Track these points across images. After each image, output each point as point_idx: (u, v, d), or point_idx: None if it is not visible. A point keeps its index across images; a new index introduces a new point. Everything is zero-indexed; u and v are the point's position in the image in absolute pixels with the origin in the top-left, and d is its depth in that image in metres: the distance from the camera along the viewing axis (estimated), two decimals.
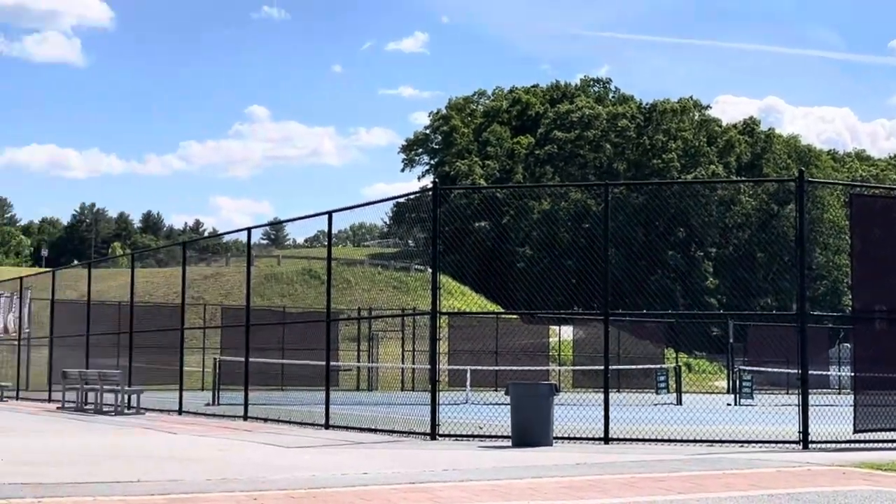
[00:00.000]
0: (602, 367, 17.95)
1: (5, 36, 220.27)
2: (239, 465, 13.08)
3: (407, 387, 43.88)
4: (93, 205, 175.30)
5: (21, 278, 36.17)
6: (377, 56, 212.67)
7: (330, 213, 20.70)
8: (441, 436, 17.59)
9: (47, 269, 45.78)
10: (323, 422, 19.93)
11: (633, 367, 43.62)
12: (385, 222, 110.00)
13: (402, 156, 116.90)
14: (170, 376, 34.73)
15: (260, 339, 32.77)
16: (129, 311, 29.09)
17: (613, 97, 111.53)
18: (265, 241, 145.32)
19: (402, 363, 45.02)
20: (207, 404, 27.62)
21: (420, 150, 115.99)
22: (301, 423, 20.65)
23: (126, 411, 25.39)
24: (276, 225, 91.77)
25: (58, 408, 27.95)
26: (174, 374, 35.45)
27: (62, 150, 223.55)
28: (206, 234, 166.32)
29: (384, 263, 78.43)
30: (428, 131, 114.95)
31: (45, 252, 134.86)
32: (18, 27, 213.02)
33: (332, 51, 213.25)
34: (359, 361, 45.48)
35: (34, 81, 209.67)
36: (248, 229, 24.40)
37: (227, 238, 62.97)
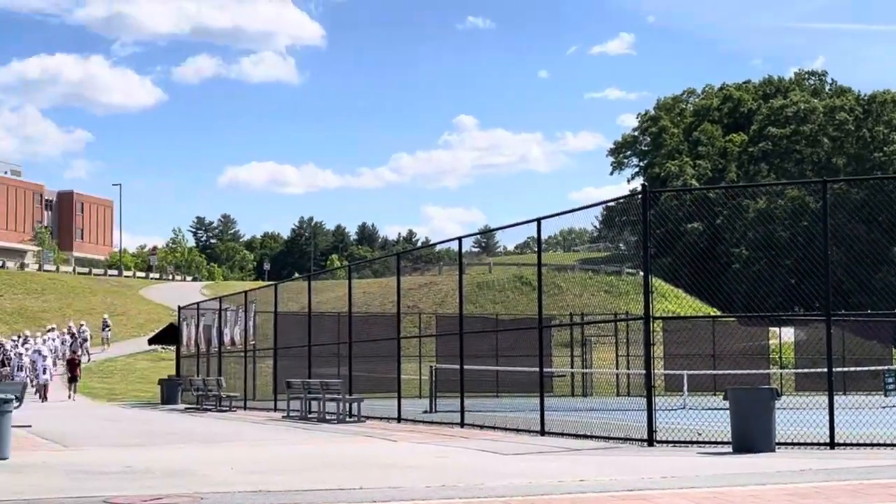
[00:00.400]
0: (825, 370, 17.32)
1: (224, 59, 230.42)
2: (457, 473, 13.23)
3: (622, 392, 43.46)
4: (311, 219, 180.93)
5: (245, 292, 37.61)
6: (582, 59, 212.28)
7: (539, 220, 20.74)
8: (658, 442, 17.34)
9: (270, 283, 47.50)
10: (538, 428, 19.94)
11: (859, 368, 41.92)
12: (595, 226, 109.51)
13: (611, 159, 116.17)
14: (388, 384, 35.48)
15: (474, 347, 33.09)
16: (348, 321, 29.81)
17: (830, 90, 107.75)
18: (476, 249, 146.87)
19: (616, 368, 44.61)
20: (425, 412, 28.06)
21: (629, 152, 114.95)
22: (516, 430, 20.73)
23: (347, 419, 26.06)
24: (486, 233, 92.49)
25: (283, 417, 28.93)
26: (392, 382, 36.23)
27: (280, 166, 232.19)
28: (418, 243, 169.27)
29: (595, 268, 77.99)
30: (636, 133, 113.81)
31: (267, 266, 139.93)
32: (236, 49, 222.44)
33: (538, 57, 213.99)
34: (572, 367, 45.34)
35: (252, 101, 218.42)
36: (459, 238, 24.68)
37: (439, 247, 63.99)
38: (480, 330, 36.94)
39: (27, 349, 42.45)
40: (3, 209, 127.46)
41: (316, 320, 33.10)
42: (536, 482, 11.95)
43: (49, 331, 49.65)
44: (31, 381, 40.77)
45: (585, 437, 19.05)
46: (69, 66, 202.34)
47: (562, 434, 19.53)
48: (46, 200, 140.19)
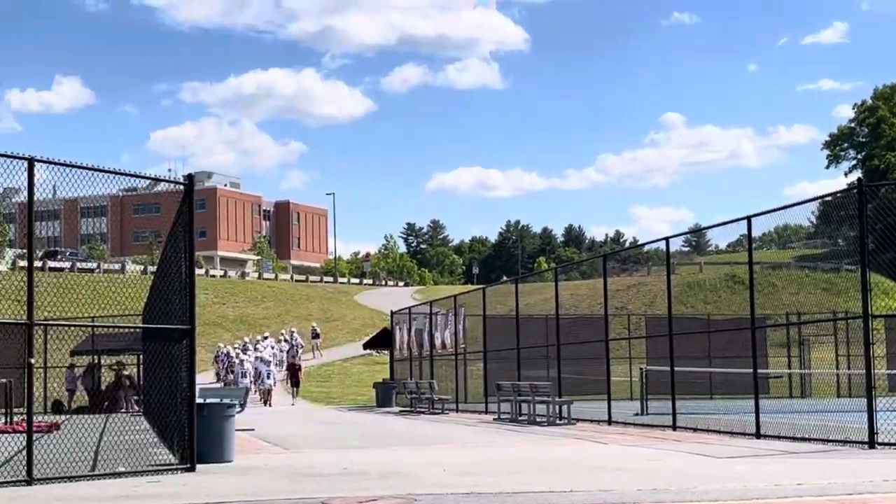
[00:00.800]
0: None
1: (430, 67, 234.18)
2: (668, 476, 13.07)
3: (843, 393, 41.89)
4: (517, 222, 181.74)
5: (455, 296, 38.10)
6: (794, 51, 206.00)
7: (749, 218, 20.28)
8: (880, 444, 16.68)
9: (478, 287, 47.99)
10: (753, 431, 19.48)
11: None
12: (811, 222, 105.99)
13: (826, 152, 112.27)
14: (597, 386, 35.25)
15: (685, 348, 32.51)
16: (556, 323, 29.81)
17: None
18: (686, 249, 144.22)
19: (836, 368, 43.03)
20: (636, 414, 27.78)
21: (845, 144, 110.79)
22: (731, 433, 20.29)
23: (557, 422, 26.07)
24: (696, 232, 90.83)
25: (493, 419, 29.17)
26: (601, 384, 35.99)
27: (486, 171, 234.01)
28: (626, 244, 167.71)
29: (812, 265, 75.52)
30: (853, 124, 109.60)
31: (475, 270, 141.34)
32: (442, 57, 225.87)
33: (746, 50, 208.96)
34: (789, 368, 44.01)
35: (458, 108, 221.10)
36: (667, 238, 24.39)
37: (647, 248, 63.28)
38: (690, 331, 36.23)
39: (249, 356, 44.12)
40: (225, 220, 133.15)
41: (524, 323, 33.22)
42: (751, 486, 11.69)
43: (264, 339, 51.48)
44: (255, 387, 42.36)
45: (803, 439, 18.47)
46: (283, 80, 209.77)
47: (778, 437, 19.01)
48: (264, 211, 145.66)
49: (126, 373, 40.78)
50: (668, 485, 11.95)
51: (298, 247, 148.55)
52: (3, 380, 31.21)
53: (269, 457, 17.71)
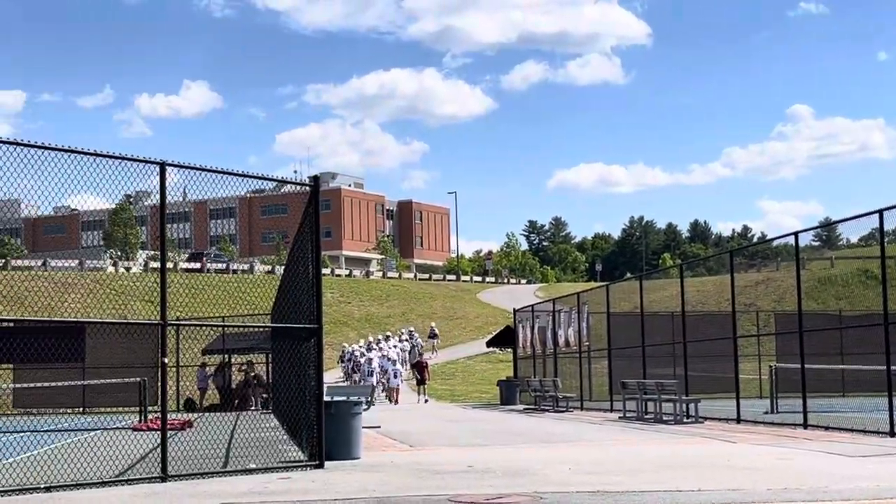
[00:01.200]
0: None
1: (550, 64, 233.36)
2: (798, 475, 12.82)
3: None
4: (641, 218, 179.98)
5: (578, 294, 37.93)
6: None
7: (881, 212, 19.77)
8: None
9: (602, 284, 47.69)
10: (887, 429, 18.96)
11: None
12: None
13: None
14: (724, 385, 34.69)
15: (817, 345, 31.77)
16: (682, 320, 29.45)
17: None
18: (816, 243, 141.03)
19: None
20: (765, 412, 27.31)
21: None
22: (864, 431, 19.79)
23: (685, 420, 25.75)
24: (826, 227, 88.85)
25: (619, 417, 28.96)
26: (728, 382, 35.39)
27: (609, 167, 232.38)
28: (754, 239, 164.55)
29: None
30: None
31: (599, 267, 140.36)
32: (562, 53, 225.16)
33: (876, 39, 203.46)
34: None
35: (579, 104, 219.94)
36: (796, 233, 23.90)
37: (776, 243, 62.04)
38: (821, 328, 35.38)
39: (375, 354, 44.59)
40: (349, 220, 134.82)
41: (649, 320, 32.89)
42: (885, 485, 11.41)
43: (386, 338, 51.95)
44: (382, 385, 42.80)
45: None
46: (404, 80, 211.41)
47: None
48: (387, 210, 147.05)
49: (254, 372, 41.61)
50: (799, 484, 11.73)
51: (421, 245, 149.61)
52: (137, 379, 32.13)
53: (396, 454, 17.90)
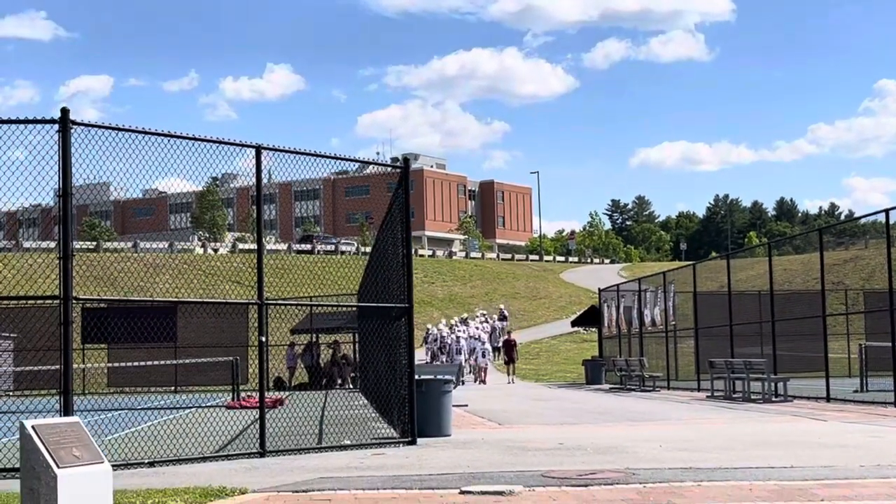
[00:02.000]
0: None
1: (632, 41, 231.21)
2: (891, 453, 12.77)
3: None
4: (726, 196, 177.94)
5: (664, 273, 37.80)
6: None
7: None
8: None
9: (688, 263, 47.43)
10: None
11: None
12: None
13: None
14: (812, 363, 34.34)
15: None
16: (770, 299, 29.22)
17: None
18: None
19: None
20: (855, 391, 27.06)
21: None
22: None
23: (773, 399, 25.63)
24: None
25: (706, 397, 28.88)
26: (816, 361, 35.01)
27: (692, 145, 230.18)
28: (841, 216, 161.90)
29: None
30: None
31: (683, 246, 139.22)
32: (645, 30, 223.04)
33: None
34: None
35: (662, 82, 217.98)
36: (886, 210, 23.57)
37: (864, 220, 61.02)
38: None
39: (462, 334, 44.70)
40: (431, 201, 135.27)
41: (736, 299, 32.68)
42: None
43: (463, 321, 51.99)
44: (470, 365, 43.00)
45: None
46: (485, 60, 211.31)
47: None
48: (469, 191, 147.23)
49: (342, 352, 42.17)
50: (893, 461, 11.70)
51: (503, 225, 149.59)
52: (230, 358, 32.78)
53: (485, 431, 18.12)
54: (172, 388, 40.67)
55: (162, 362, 36.78)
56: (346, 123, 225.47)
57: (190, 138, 13.37)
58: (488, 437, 16.70)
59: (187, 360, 36.81)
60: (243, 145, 13.91)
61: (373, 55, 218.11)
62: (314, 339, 42.14)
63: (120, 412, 25.91)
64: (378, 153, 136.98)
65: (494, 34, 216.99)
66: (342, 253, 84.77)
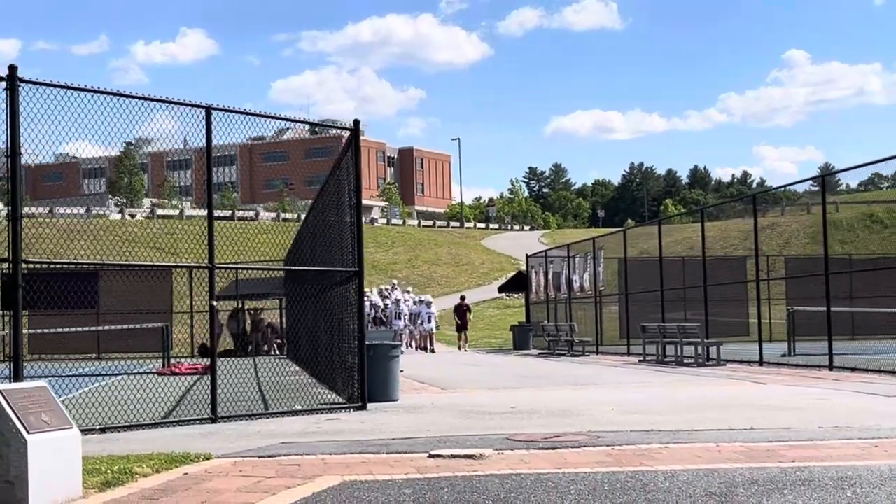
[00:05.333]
0: None
1: (546, 9, 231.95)
2: (844, 414, 12.95)
3: None
4: (641, 164, 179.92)
5: (594, 239, 38.02)
6: None
7: None
8: None
9: (618, 230, 47.72)
10: None
11: None
12: None
13: None
14: (735, 328, 34.84)
15: (821, 289, 31.90)
16: (702, 265, 29.53)
17: None
18: (816, 188, 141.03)
19: None
20: (783, 355, 27.49)
21: None
22: (892, 373, 19.93)
23: (707, 363, 25.95)
24: (857, 168, 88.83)
25: (639, 361, 29.15)
26: (740, 326, 35.56)
27: (605, 113, 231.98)
28: (753, 185, 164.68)
29: None
30: None
31: (601, 213, 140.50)
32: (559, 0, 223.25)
33: None
34: None
35: (575, 49, 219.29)
36: (822, 176, 23.93)
37: (777, 189, 61.99)
38: (839, 271, 35.49)
39: (405, 299, 42.96)
40: None
41: (644, 265, 33.11)
42: None
43: (392, 287, 51.08)
44: (414, 330, 41.64)
45: None
46: (400, 26, 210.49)
47: None
48: (388, 157, 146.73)
49: (268, 320, 41.77)
50: (848, 423, 11.86)
51: (422, 192, 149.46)
52: (160, 324, 32.27)
53: (431, 396, 18.05)
54: (95, 355, 39.93)
55: (86, 329, 36.02)
56: (260, 89, 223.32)
57: (141, 98, 13.00)
58: (436, 401, 16.63)
59: (119, 327, 35.98)
60: (193, 105, 13.57)
61: (287, 20, 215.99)
62: (240, 306, 41.66)
63: (47, 379, 25.31)
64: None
65: (409, 0, 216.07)
66: (251, 220, 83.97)
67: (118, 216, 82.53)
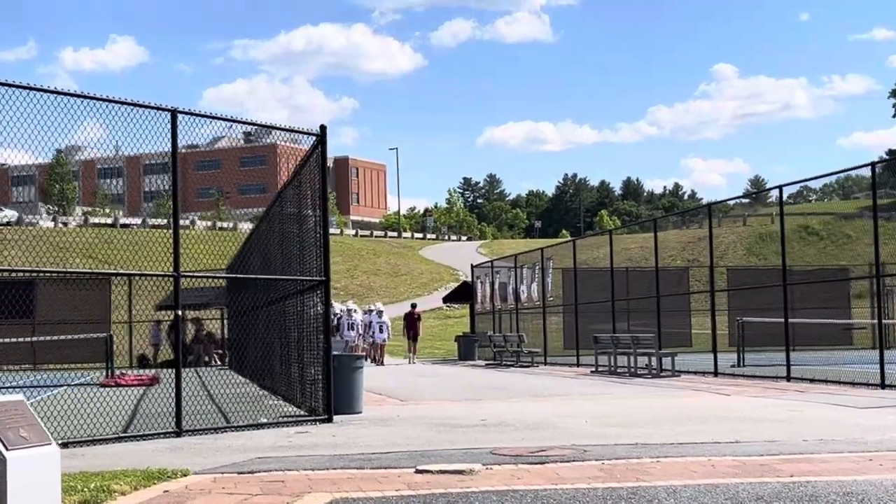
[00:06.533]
0: None
1: (479, 21, 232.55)
2: (823, 426, 12.83)
3: None
4: (574, 175, 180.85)
5: (542, 249, 37.85)
6: (844, 0, 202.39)
7: (873, 165, 19.91)
8: None
9: (567, 240, 47.72)
10: (878, 381, 19.13)
11: None
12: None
13: (893, 100, 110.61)
14: (677, 339, 34.84)
15: (761, 299, 32.14)
16: (655, 276, 29.45)
17: None
18: (747, 201, 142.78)
19: None
20: (733, 365, 27.51)
21: None
22: (851, 383, 19.97)
23: (661, 374, 25.86)
24: (810, 181, 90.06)
25: (591, 371, 28.98)
26: (681, 337, 35.58)
27: (537, 124, 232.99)
28: (685, 196, 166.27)
29: (886, 215, 74.47)
30: None
31: (538, 224, 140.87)
32: (491, 11, 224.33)
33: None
34: (872, 318, 43.46)
35: (507, 62, 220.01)
36: (780, 187, 23.98)
37: (734, 199, 62.51)
38: (770, 283, 35.71)
39: (355, 310, 41.44)
40: (286, 176, 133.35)
41: (594, 276, 33.07)
42: None
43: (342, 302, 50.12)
44: (364, 342, 40.08)
45: None
46: (333, 35, 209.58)
47: None
48: None
49: (206, 330, 41.03)
50: (833, 435, 11.73)
51: (357, 202, 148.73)
52: (103, 334, 31.52)
53: (393, 408, 17.69)
54: (31, 366, 38.90)
55: (24, 339, 34.99)
56: (191, 97, 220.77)
57: (103, 99, 12.53)
58: (402, 413, 16.27)
59: (58, 337, 34.94)
60: (159, 108, 13.14)
61: (219, 28, 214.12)
62: (181, 315, 40.84)
63: None
64: (230, 127, 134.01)
65: (342, 10, 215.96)
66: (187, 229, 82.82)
67: (50, 224, 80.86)
